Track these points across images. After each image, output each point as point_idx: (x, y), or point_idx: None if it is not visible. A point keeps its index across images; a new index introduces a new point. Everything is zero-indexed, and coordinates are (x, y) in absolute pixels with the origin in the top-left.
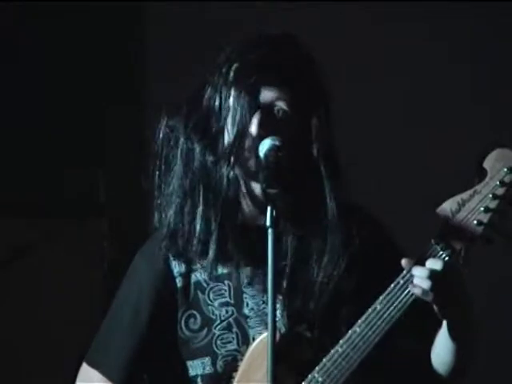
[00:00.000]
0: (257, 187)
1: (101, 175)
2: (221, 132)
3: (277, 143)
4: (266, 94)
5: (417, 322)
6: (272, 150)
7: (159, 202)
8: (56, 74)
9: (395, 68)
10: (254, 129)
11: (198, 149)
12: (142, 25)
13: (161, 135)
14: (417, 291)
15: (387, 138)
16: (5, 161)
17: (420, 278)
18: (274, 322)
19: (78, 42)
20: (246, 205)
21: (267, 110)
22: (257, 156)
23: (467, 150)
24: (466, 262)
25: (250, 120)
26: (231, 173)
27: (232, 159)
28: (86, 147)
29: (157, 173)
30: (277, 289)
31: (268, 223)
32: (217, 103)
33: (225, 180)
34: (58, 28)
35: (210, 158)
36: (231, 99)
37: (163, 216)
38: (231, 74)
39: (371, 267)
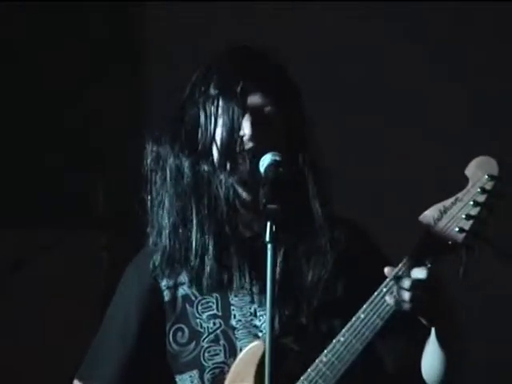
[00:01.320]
0: (243, 194)
1: (100, 186)
2: (210, 144)
3: (277, 158)
4: (253, 100)
5: (405, 330)
6: (272, 165)
7: (153, 225)
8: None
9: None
10: (247, 130)
11: (186, 164)
12: (142, 30)
13: (148, 160)
14: (392, 302)
15: (373, 143)
16: (3, 171)
17: (401, 289)
18: (272, 337)
19: (77, 52)
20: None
21: (257, 114)
22: (257, 170)
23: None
24: (465, 275)
25: (240, 124)
26: (229, 180)
27: (228, 165)
28: (85, 157)
29: (148, 197)
30: (264, 299)
31: (267, 239)
32: (202, 118)
33: (223, 188)
34: (58, 36)
35: (203, 168)
36: (219, 110)
37: (158, 239)
38: (213, 87)
39: (359, 277)
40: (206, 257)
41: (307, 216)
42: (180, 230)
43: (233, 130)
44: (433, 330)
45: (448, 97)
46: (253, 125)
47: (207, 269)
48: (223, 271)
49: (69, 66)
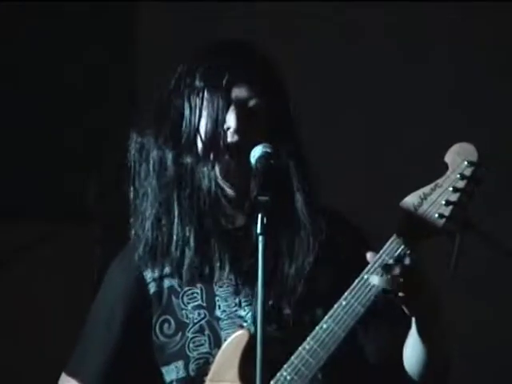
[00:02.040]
0: (226, 186)
1: (92, 179)
2: (194, 136)
3: (268, 150)
4: (238, 92)
5: (387, 320)
6: (263, 157)
7: (135, 218)
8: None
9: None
10: (232, 123)
11: (170, 156)
12: (136, 30)
13: (132, 152)
14: (374, 289)
15: (372, 142)
16: (3, 167)
17: (382, 275)
18: (264, 327)
19: (76, 46)
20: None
21: (242, 107)
22: (248, 162)
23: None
24: (455, 270)
25: (225, 117)
26: (212, 172)
27: (212, 157)
28: (84, 157)
29: (131, 188)
30: (249, 289)
31: (259, 230)
32: (187, 110)
33: (205, 180)
34: (55, 33)
35: (187, 160)
36: (204, 102)
37: (140, 232)
38: (198, 80)
39: (340, 265)
40: (186, 248)
41: (290, 207)
42: (162, 222)
43: (217, 122)
44: (413, 322)
45: (448, 97)
46: (238, 118)
47: (187, 261)
48: (204, 263)
49: (68, 66)
